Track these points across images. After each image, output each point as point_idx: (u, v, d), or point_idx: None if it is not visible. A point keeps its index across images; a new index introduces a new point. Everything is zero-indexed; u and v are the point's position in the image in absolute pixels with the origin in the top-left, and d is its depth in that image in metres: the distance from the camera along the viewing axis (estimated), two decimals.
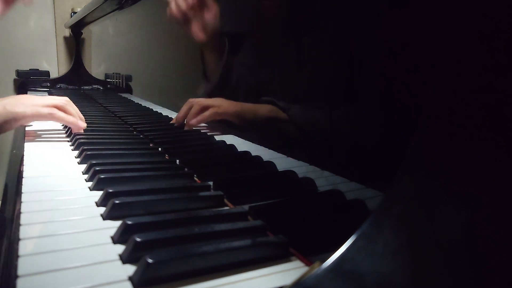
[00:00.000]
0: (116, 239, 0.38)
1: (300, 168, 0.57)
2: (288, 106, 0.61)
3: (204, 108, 0.81)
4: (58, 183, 0.53)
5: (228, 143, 0.75)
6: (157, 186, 0.51)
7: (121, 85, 1.64)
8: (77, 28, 2.15)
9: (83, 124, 0.81)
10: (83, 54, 2.19)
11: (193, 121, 0.82)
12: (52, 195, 0.48)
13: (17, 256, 0.34)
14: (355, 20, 0.50)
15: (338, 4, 0.53)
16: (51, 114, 0.76)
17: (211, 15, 0.83)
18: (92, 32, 2.14)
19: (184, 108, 0.87)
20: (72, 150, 0.72)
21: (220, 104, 0.78)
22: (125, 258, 0.35)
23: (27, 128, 0.87)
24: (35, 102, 0.76)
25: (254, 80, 0.75)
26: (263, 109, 0.67)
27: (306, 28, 0.59)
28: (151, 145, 0.77)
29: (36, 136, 0.81)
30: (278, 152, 0.64)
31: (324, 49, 0.54)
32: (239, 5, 0.75)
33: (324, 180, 0.53)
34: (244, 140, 0.75)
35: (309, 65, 0.59)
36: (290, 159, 0.62)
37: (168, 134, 0.87)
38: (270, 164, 0.62)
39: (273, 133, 0.65)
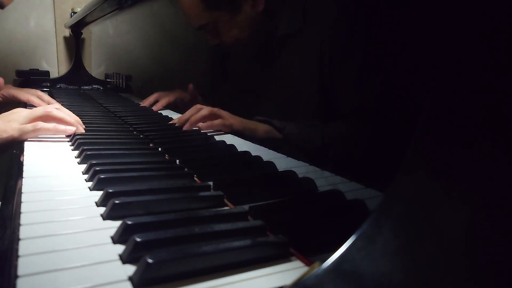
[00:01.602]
0: (116, 239, 0.38)
1: (300, 168, 0.57)
2: (284, 125, 0.62)
3: (214, 115, 0.83)
4: (58, 183, 0.53)
5: (228, 143, 0.75)
6: (157, 186, 0.51)
7: (121, 85, 1.64)
8: (77, 28, 2.15)
9: (72, 129, 0.80)
10: (83, 54, 2.19)
11: (203, 125, 0.84)
12: (52, 195, 0.48)
13: (17, 256, 0.34)
14: (354, 20, 0.50)
15: (329, 8, 0.54)
16: (36, 130, 0.75)
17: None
18: (92, 32, 2.14)
19: (189, 112, 0.88)
20: (72, 150, 0.72)
21: (227, 117, 0.82)
22: (125, 258, 0.35)
23: None
24: (20, 119, 0.76)
25: (247, 99, 0.77)
26: (261, 129, 0.69)
27: (297, 43, 0.60)
28: (151, 145, 0.77)
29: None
30: (278, 152, 0.65)
31: (320, 51, 0.54)
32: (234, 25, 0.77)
33: (324, 180, 0.53)
34: (244, 140, 0.76)
35: (301, 76, 0.60)
36: (290, 159, 0.62)
37: (168, 134, 0.87)
38: (270, 164, 0.62)
39: (273, 145, 0.67)
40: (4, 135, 0.73)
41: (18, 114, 0.78)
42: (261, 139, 0.70)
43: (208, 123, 0.84)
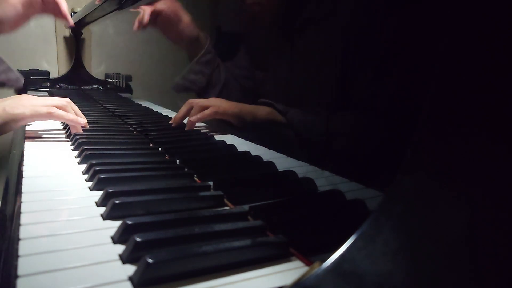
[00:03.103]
0: (116, 239, 0.38)
1: (300, 168, 0.57)
2: (287, 109, 0.61)
3: (204, 108, 0.81)
4: (58, 183, 0.53)
5: (228, 143, 0.75)
6: (157, 186, 0.51)
7: (121, 85, 1.64)
8: (77, 28, 2.15)
9: (83, 121, 0.81)
10: (83, 54, 2.19)
11: (193, 118, 0.82)
12: (52, 195, 0.48)
13: (17, 256, 0.34)
14: (353, 21, 0.50)
15: (334, 6, 0.53)
16: (49, 113, 0.75)
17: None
18: (92, 32, 2.14)
19: (183, 109, 0.87)
20: (72, 150, 0.72)
21: (220, 104, 0.79)
22: (125, 258, 0.35)
23: (27, 128, 0.87)
24: (34, 102, 0.76)
25: (251, 82, 0.75)
26: (262, 111, 0.67)
27: (304, 30, 0.59)
28: (151, 145, 0.77)
29: (36, 136, 0.81)
30: (278, 152, 0.64)
31: (322, 50, 0.54)
32: (235, 8, 0.75)
33: (324, 180, 0.53)
34: (244, 140, 0.75)
35: (307, 67, 0.59)
36: (290, 159, 0.62)
37: (168, 134, 0.87)
38: (270, 164, 0.62)
39: (273, 134, 0.65)
40: (16, 111, 0.72)
41: (30, 97, 0.78)
42: (262, 122, 0.68)
43: (199, 115, 0.81)
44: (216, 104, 0.80)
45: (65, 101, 0.81)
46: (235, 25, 0.81)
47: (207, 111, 0.80)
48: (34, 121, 0.76)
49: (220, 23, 0.87)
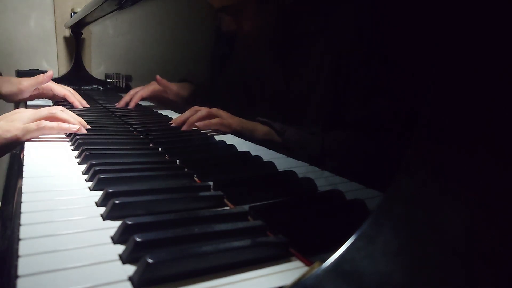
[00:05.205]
0: (116, 239, 0.38)
1: (300, 168, 0.57)
2: (284, 128, 0.62)
3: (212, 116, 0.83)
4: (58, 183, 0.53)
5: (228, 143, 0.75)
6: (157, 186, 0.51)
7: (121, 85, 1.64)
8: (77, 28, 2.15)
9: (75, 127, 0.80)
10: (83, 54, 2.19)
11: (200, 124, 0.84)
12: (52, 195, 0.48)
13: (17, 256, 0.34)
14: (352, 22, 0.50)
15: (327, 24, 0.54)
16: (39, 129, 0.75)
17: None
18: (92, 32, 2.14)
19: (187, 114, 0.88)
20: (72, 150, 0.72)
21: (225, 117, 0.82)
22: (125, 258, 0.35)
23: None
24: (24, 119, 0.76)
25: (248, 101, 0.77)
26: (260, 130, 0.69)
27: (315, 43, 0.60)
28: (151, 145, 0.77)
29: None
30: (278, 152, 0.65)
31: (336, 54, 0.54)
32: (234, 27, 0.76)
33: (324, 180, 0.53)
34: (244, 140, 0.76)
35: (301, 83, 0.60)
36: (290, 159, 0.62)
37: (168, 134, 0.87)
38: (270, 164, 0.62)
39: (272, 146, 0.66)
40: (8, 135, 0.72)
41: (21, 114, 0.77)
42: (260, 140, 0.70)
43: (206, 121, 0.83)
44: (222, 115, 0.82)
45: (54, 109, 0.81)
46: (231, 42, 0.82)
47: (214, 121, 0.82)
48: (29, 138, 0.76)
49: (217, 39, 0.89)
